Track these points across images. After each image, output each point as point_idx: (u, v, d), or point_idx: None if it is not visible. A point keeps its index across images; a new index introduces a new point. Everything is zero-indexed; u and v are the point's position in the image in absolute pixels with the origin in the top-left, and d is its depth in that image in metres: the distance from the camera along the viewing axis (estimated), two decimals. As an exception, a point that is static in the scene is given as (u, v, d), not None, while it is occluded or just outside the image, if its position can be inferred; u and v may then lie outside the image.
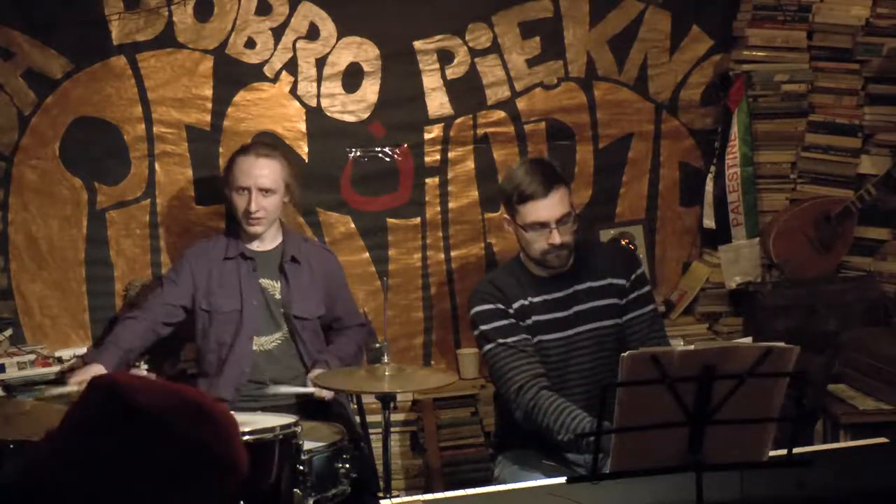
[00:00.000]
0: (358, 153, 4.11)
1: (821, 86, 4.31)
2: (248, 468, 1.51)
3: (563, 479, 2.37)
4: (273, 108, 4.04)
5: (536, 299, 3.18)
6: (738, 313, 4.36)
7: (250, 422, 2.88)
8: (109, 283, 4.00)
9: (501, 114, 4.19)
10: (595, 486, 2.30)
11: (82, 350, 3.87)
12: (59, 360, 3.80)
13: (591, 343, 3.18)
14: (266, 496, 2.76)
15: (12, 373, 3.70)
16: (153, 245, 4.02)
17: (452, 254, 4.22)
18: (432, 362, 4.24)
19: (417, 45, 4.10)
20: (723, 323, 4.36)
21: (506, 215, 3.22)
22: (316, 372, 3.48)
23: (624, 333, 3.20)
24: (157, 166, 4.00)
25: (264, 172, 3.55)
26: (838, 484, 2.56)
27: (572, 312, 3.19)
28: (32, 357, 3.76)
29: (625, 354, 2.19)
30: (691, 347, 2.23)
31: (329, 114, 4.08)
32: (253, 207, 3.53)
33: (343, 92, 4.08)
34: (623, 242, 4.18)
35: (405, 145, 4.14)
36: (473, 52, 4.14)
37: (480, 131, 4.19)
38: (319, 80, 4.06)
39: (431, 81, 4.13)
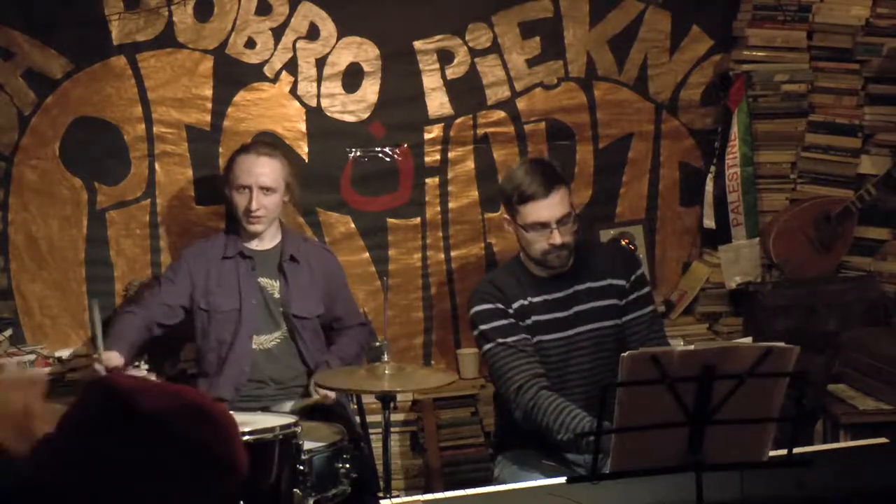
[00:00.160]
0: (358, 153, 4.11)
1: (821, 86, 4.31)
2: (248, 468, 1.51)
3: (563, 479, 2.37)
4: (273, 108, 4.04)
5: (536, 299, 3.18)
6: (738, 313, 4.36)
7: (250, 422, 2.88)
8: (109, 283, 4.00)
9: (501, 114, 4.19)
10: (595, 486, 2.30)
11: (82, 350, 3.87)
12: (59, 360, 3.80)
13: (590, 343, 3.18)
14: (266, 496, 2.76)
15: (12, 373, 3.69)
16: (153, 245, 4.02)
17: (452, 254, 4.22)
18: (432, 362, 4.24)
19: (417, 45, 4.10)
20: (723, 323, 4.36)
21: (506, 215, 3.22)
22: (318, 375, 3.48)
23: (623, 334, 3.20)
24: (157, 166, 4.00)
25: (265, 171, 3.55)
26: (838, 484, 2.56)
27: (572, 313, 3.19)
28: (32, 357, 3.76)
29: (625, 354, 2.19)
30: (691, 347, 2.23)
31: (329, 114, 4.08)
32: (254, 206, 3.53)
33: (343, 92, 4.08)
34: (623, 242, 4.18)
35: (405, 145, 4.14)
36: (473, 52, 4.14)
37: (480, 131, 4.19)
38: (319, 80, 4.06)
39: (431, 81, 4.13)
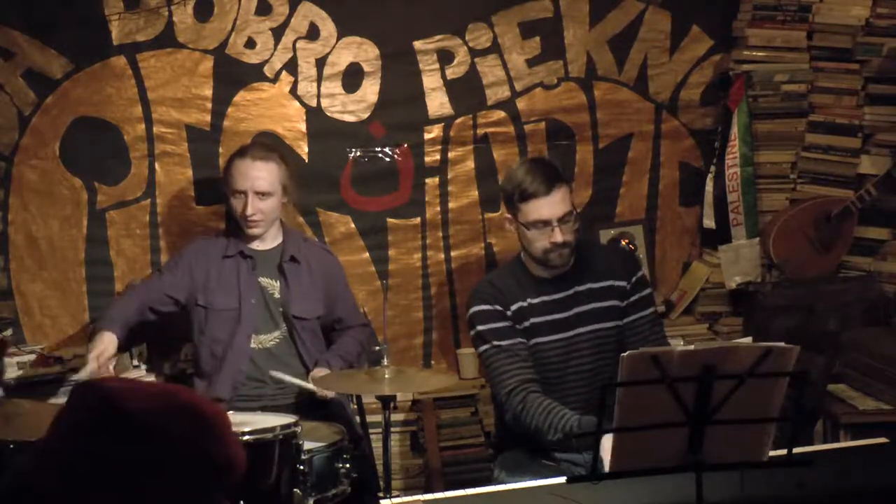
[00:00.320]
0: (358, 153, 4.11)
1: (821, 86, 4.31)
2: (244, 467, 1.51)
3: (563, 479, 2.37)
4: (273, 108, 4.04)
5: (536, 301, 3.18)
6: (738, 313, 4.36)
7: (250, 422, 2.88)
8: (109, 283, 4.00)
9: (501, 114, 4.19)
10: (595, 486, 2.30)
11: (82, 350, 3.86)
12: (60, 360, 3.79)
13: (590, 345, 3.18)
14: (266, 496, 2.76)
15: (12, 373, 3.69)
16: (153, 245, 4.02)
17: (452, 254, 4.22)
18: (432, 362, 4.24)
19: (417, 45, 4.10)
20: (723, 323, 4.36)
21: (507, 214, 3.22)
22: (318, 372, 3.48)
23: (624, 336, 3.20)
24: (157, 166, 4.00)
25: (261, 175, 3.54)
26: (838, 484, 2.56)
27: (573, 314, 3.18)
28: (32, 357, 3.76)
29: (624, 354, 2.19)
30: (691, 347, 2.22)
31: (329, 114, 4.08)
32: (249, 211, 3.53)
33: (343, 92, 4.08)
34: (623, 242, 4.17)
35: (405, 145, 4.14)
36: (473, 52, 4.14)
37: (480, 131, 4.19)
38: (319, 80, 4.06)
39: (431, 81, 4.13)
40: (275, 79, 4.03)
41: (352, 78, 4.08)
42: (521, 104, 4.20)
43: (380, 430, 3.17)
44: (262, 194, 3.54)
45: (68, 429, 1.46)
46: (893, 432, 2.97)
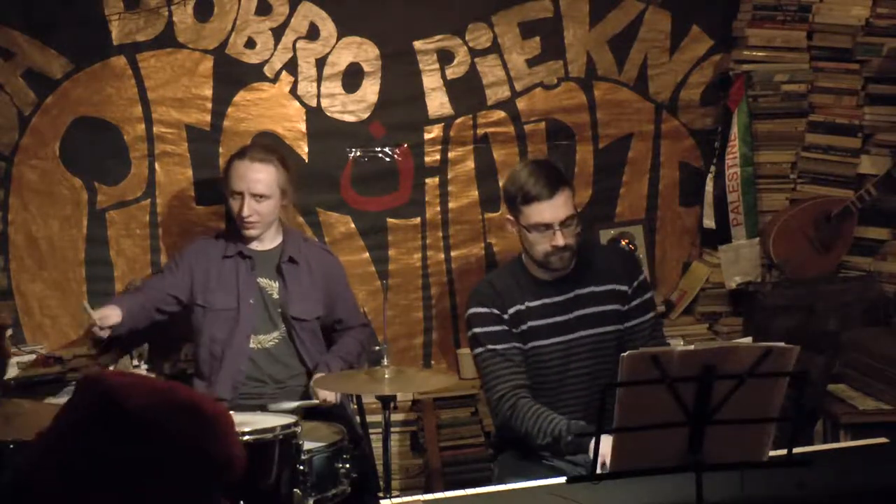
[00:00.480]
0: (358, 153, 4.11)
1: (821, 86, 4.31)
2: (244, 464, 1.51)
3: (563, 479, 2.37)
4: (273, 108, 4.04)
5: (535, 303, 3.17)
6: (738, 313, 4.36)
7: (250, 422, 2.88)
8: (109, 283, 4.00)
9: (501, 114, 4.19)
10: (595, 486, 2.30)
11: (82, 350, 3.87)
12: (60, 360, 3.79)
13: (590, 348, 3.17)
14: (266, 496, 2.76)
15: (12, 373, 3.69)
16: (153, 245, 4.02)
17: (452, 254, 4.22)
18: (432, 362, 4.24)
19: (417, 45, 4.10)
20: (723, 323, 4.36)
21: (509, 216, 3.21)
22: (317, 377, 3.48)
23: (624, 339, 3.18)
24: (157, 166, 4.00)
25: (258, 177, 3.54)
26: (838, 484, 2.56)
27: (573, 317, 3.17)
28: (32, 357, 3.76)
29: (625, 354, 2.19)
30: (691, 347, 2.22)
31: (329, 114, 4.08)
32: (245, 212, 3.53)
33: (343, 92, 4.08)
34: (623, 243, 4.17)
35: (405, 145, 4.14)
36: (473, 52, 4.14)
37: (480, 131, 4.19)
38: (319, 80, 4.06)
39: (431, 81, 4.13)
40: (275, 79, 4.03)
41: (352, 78, 4.08)
42: (521, 104, 4.20)
43: (380, 430, 3.17)
44: (258, 196, 3.54)
45: (68, 426, 1.47)
46: (893, 432, 2.97)
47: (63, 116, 3.92)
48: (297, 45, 4.03)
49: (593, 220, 4.26)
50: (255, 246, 3.64)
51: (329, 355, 3.64)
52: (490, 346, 3.12)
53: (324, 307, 3.68)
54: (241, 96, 4.02)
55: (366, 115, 4.10)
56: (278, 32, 4.02)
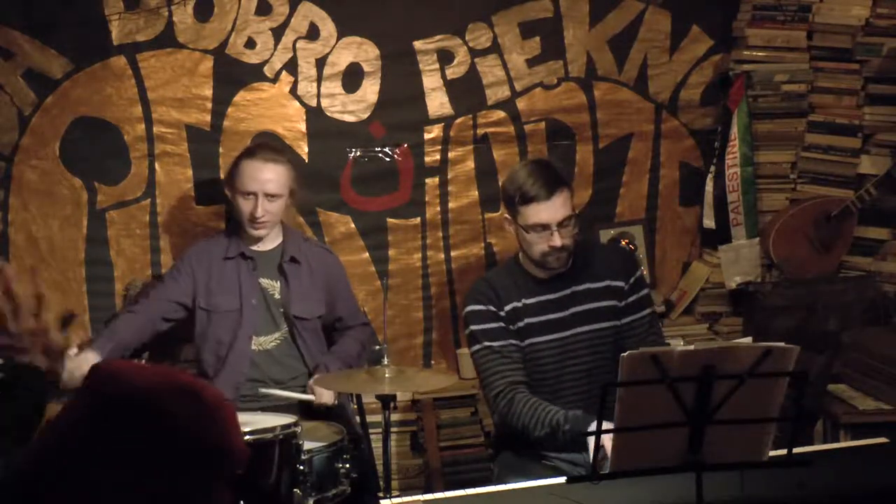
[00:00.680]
0: (358, 153, 4.11)
1: (821, 86, 4.31)
2: (246, 458, 1.52)
3: (563, 479, 2.37)
4: (273, 108, 4.04)
5: (531, 301, 3.17)
6: (738, 313, 4.36)
7: (250, 422, 2.88)
8: (109, 283, 4.00)
9: (501, 114, 4.19)
10: (595, 486, 2.30)
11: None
12: (59, 360, 3.79)
13: (587, 345, 3.17)
14: (266, 496, 2.76)
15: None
16: (153, 245, 4.02)
17: (452, 254, 4.22)
18: (432, 362, 4.24)
19: (417, 45, 4.10)
20: (723, 323, 4.36)
21: (507, 215, 3.21)
22: (316, 377, 3.47)
23: (621, 336, 3.19)
24: (157, 166, 4.00)
25: (271, 177, 3.54)
26: (838, 484, 2.56)
27: (569, 314, 3.18)
28: (32, 357, 3.75)
29: (625, 354, 2.19)
30: (691, 347, 2.22)
31: (329, 114, 4.08)
32: (259, 213, 3.53)
33: (343, 92, 4.08)
34: (623, 243, 4.17)
35: (405, 145, 4.14)
36: (473, 52, 4.14)
37: (480, 131, 4.19)
38: (319, 80, 4.06)
39: (431, 81, 4.13)
40: (275, 79, 4.03)
41: (352, 78, 4.08)
42: (521, 104, 4.20)
43: (380, 430, 3.17)
44: (271, 196, 3.54)
45: (73, 409, 1.49)
46: (893, 432, 2.97)
47: (63, 116, 3.92)
48: (297, 45, 4.03)
49: (593, 220, 4.27)
50: (256, 246, 3.64)
51: (328, 356, 3.63)
52: (487, 343, 3.12)
53: (325, 306, 3.68)
54: (241, 96, 4.02)
55: (366, 115, 4.10)
56: (278, 32, 4.02)
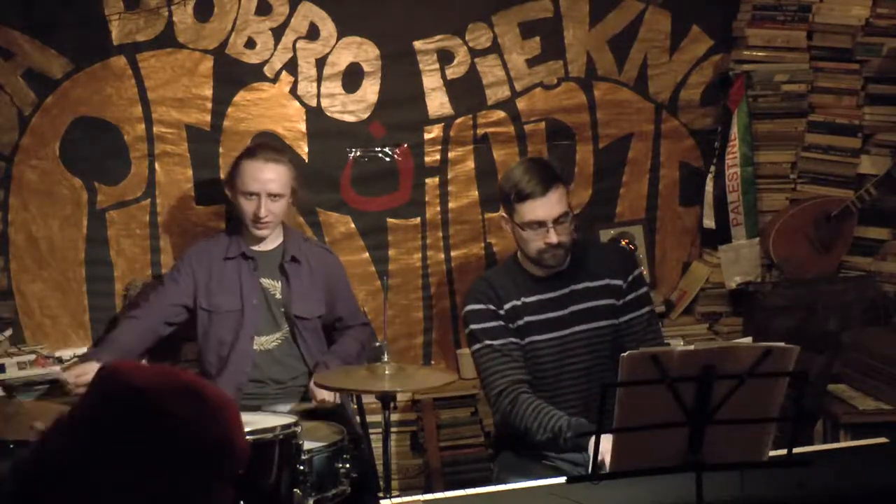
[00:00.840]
0: (358, 153, 4.11)
1: (821, 86, 4.31)
2: (247, 454, 1.52)
3: (563, 479, 2.37)
4: (273, 108, 4.04)
5: (531, 299, 3.17)
6: (738, 313, 4.36)
7: (250, 422, 2.87)
8: (109, 283, 4.00)
9: (501, 114, 4.19)
10: (595, 486, 2.30)
11: (82, 350, 3.87)
12: (59, 360, 3.80)
13: (586, 343, 3.17)
14: (266, 496, 2.76)
15: (12, 373, 3.69)
16: (153, 245, 4.02)
17: (452, 254, 4.22)
18: (432, 362, 4.24)
19: (417, 45, 4.10)
20: (723, 323, 4.36)
21: (503, 214, 3.21)
22: (317, 376, 3.47)
23: (620, 334, 3.19)
24: (157, 166, 4.00)
25: (273, 177, 3.54)
26: (838, 484, 2.56)
27: (568, 312, 3.18)
28: (32, 357, 3.76)
29: (624, 354, 2.19)
30: (691, 347, 2.23)
31: (329, 114, 4.08)
32: (262, 213, 3.53)
33: (343, 92, 4.08)
34: (623, 243, 4.17)
35: (405, 145, 4.14)
36: (473, 52, 4.14)
37: (480, 131, 4.19)
38: (319, 80, 4.06)
39: (431, 81, 4.13)
40: (275, 79, 4.03)
41: (352, 78, 4.08)
42: (521, 104, 4.20)
43: (380, 430, 3.17)
44: (274, 196, 3.54)
45: (81, 408, 1.49)
46: (893, 432, 2.98)
47: (63, 116, 3.92)
48: (297, 45, 4.03)
49: (593, 220, 4.27)
50: (257, 246, 3.64)
51: (328, 355, 3.63)
52: (488, 342, 3.12)
53: (325, 306, 3.68)
54: (241, 96, 4.02)
55: (366, 115, 4.10)
56: (278, 32, 4.01)
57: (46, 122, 3.91)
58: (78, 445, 1.44)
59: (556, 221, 3.08)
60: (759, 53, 4.26)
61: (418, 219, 4.19)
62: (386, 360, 3.04)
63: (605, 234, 4.26)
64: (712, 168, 4.31)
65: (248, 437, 2.70)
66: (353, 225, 4.14)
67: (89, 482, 1.42)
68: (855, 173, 4.32)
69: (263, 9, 3.99)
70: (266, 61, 4.02)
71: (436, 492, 3.01)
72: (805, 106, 4.32)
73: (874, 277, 4.29)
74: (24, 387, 3.65)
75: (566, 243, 3.13)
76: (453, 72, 4.14)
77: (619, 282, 3.22)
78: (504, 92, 4.18)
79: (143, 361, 3.65)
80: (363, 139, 4.11)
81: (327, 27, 4.04)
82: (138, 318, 3.59)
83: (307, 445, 2.90)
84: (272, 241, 3.66)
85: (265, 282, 3.62)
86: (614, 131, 4.29)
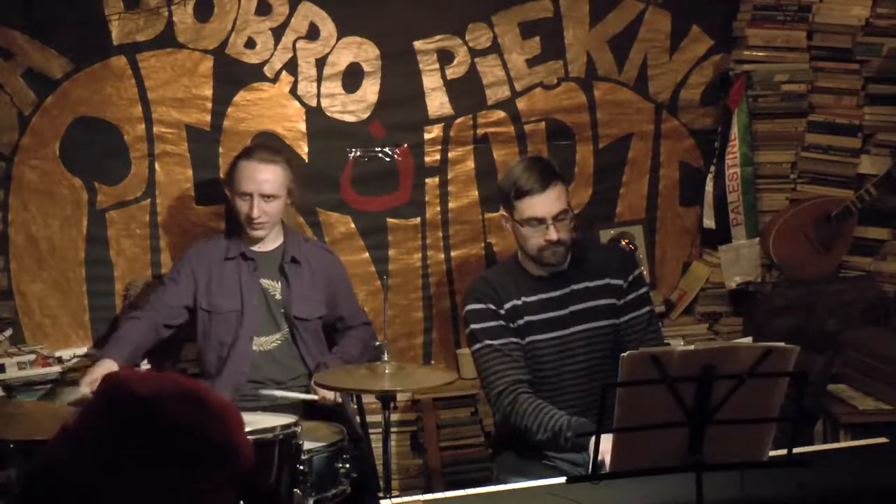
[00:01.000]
0: (358, 153, 4.11)
1: (821, 86, 4.31)
2: (251, 459, 1.52)
3: (563, 479, 2.37)
4: (273, 108, 4.04)
5: (531, 299, 3.17)
6: (738, 313, 4.36)
7: (250, 422, 2.87)
8: (109, 283, 4.00)
9: (501, 114, 4.19)
10: (595, 486, 2.30)
11: (82, 350, 3.87)
12: (59, 360, 3.80)
13: (586, 343, 3.17)
14: (266, 496, 2.76)
15: (12, 373, 3.70)
16: (153, 245, 4.02)
17: (452, 254, 4.22)
18: (432, 362, 4.24)
19: (417, 45, 4.10)
20: (723, 323, 4.36)
21: (503, 212, 3.22)
22: (318, 375, 3.47)
23: (620, 334, 3.19)
24: (157, 166, 4.00)
25: (267, 178, 3.54)
26: (838, 484, 2.56)
27: (568, 312, 3.18)
28: (32, 357, 3.76)
29: (624, 354, 2.19)
30: (691, 347, 2.22)
31: (329, 114, 4.08)
32: (255, 213, 3.53)
33: (343, 92, 4.08)
34: (623, 242, 4.17)
35: (405, 145, 4.14)
36: (473, 52, 4.14)
37: (480, 131, 4.19)
38: (319, 80, 4.06)
39: (431, 81, 4.13)
40: (275, 79, 4.03)
41: (352, 78, 4.08)
42: (521, 104, 4.20)
43: (380, 430, 3.17)
44: (267, 197, 3.54)
45: (87, 414, 1.50)
46: (893, 432, 2.97)
47: (63, 116, 3.92)
48: (297, 45, 4.03)
49: (593, 220, 4.27)
50: (257, 247, 3.64)
51: (329, 356, 3.63)
52: (488, 342, 3.12)
53: (326, 306, 3.68)
54: (241, 96, 4.02)
55: (366, 115, 4.10)
56: (278, 32, 4.02)
57: (46, 122, 3.91)
58: (84, 454, 1.45)
59: (556, 218, 3.08)
60: (759, 53, 4.26)
61: (418, 219, 4.19)
62: (386, 359, 3.04)
63: (605, 234, 4.26)
64: (712, 168, 4.30)
65: (248, 437, 2.72)
66: (353, 225, 4.14)
67: (95, 490, 1.43)
68: (855, 173, 4.32)
69: (263, 9, 3.99)
70: (266, 61, 4.02)
71: (436, 492, 3.01)
72: (805, 106, 4.32)
73: (874, 277, 4.29)
74: (24, 387, 3.66)
75: (566, 241, 3.13)
76: (453, 72, 4.14)
77: (619, 281, 3.22)
78: (504, 92, 4.18)
79: (144, 362, 3.66)
80: (363, 139, 4.11)
81: (327, 27, 4.04)
82: (140, 318, 3.58)
83: (307, 445, 2.90)
84: (272, 241, 3.66)
85: (265, 282, 3.62)
86: (614, 131, 4.29)
